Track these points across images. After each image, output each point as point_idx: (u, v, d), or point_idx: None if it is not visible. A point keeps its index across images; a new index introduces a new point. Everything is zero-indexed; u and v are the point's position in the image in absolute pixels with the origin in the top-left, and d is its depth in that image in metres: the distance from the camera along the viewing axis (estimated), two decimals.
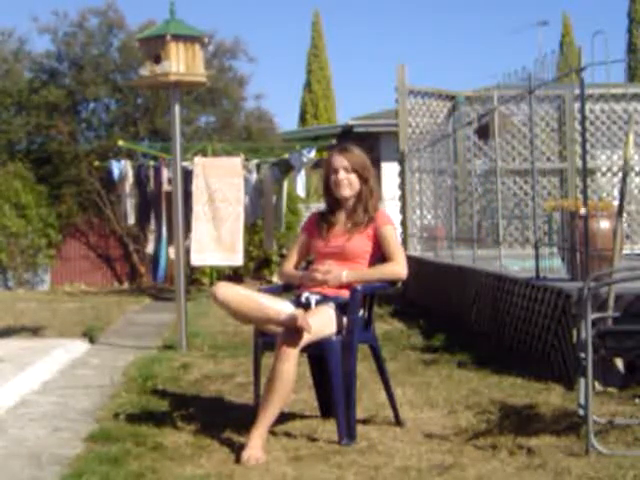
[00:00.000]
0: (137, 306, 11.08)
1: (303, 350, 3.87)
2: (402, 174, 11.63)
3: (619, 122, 10.85)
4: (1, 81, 15.57)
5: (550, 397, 4.71)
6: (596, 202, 6.05)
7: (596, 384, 4.65)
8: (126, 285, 15.47)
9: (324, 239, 4.26)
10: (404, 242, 11.10)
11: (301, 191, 10.58)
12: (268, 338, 4.03)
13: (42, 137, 15.74)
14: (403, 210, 11.63)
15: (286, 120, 58.87)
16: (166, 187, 10.12)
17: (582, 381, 3.88)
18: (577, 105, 8.91)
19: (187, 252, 8.52)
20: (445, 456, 3.70)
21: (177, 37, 6.72)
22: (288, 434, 4.09)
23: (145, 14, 43.55)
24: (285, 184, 10.70)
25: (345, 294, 4.08)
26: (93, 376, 5.89)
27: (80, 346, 7.18)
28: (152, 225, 10.86)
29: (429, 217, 11.20)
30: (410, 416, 4.40)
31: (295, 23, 52.76)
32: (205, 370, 5.94)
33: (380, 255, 4.20)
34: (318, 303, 4.05)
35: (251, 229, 12.56)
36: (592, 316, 3.77)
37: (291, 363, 3.79)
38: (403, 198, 11.64)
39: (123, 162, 11.00)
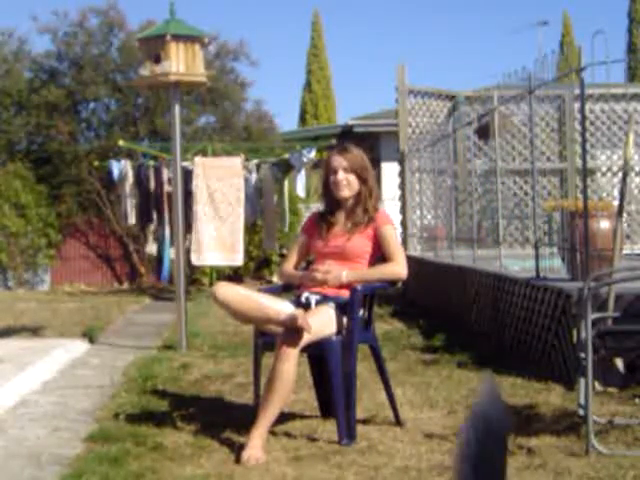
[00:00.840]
0: (137, 306, 11.08)
1: (303, 350, 3.87)
2: (402, 174, 11.63)
3: (619, 122, 10.84)
4: (1, 81, 15.56)
5: (550, 397, 4.71)
6: (596, 202, 6.05)
7: (596, 384, 4.65)
8: (126, 285, 15.47)
9: (324, 239, 4.26)
10: (404, 242, 11.10)
11: (301, 191, 10.58)
12: (268, 338, 4.03)
13: (42, 137, 15.73)
14: (403, 210, 11.63)
15: (286, 120, 58.92)
16: (166, 187, 10.12)
17: (582, 381, 3.88)
18: (577, 105, 8.90)
19: (187, 252, 8.52)
20: (445, 456, 3.70)
21: (177, 37, 6.72)
22: (288, 434, 4.09)
23: (146, 14, 43.51)
24: (286, 184, 10.70)
25: (345, 294, 4.08)
26: (93, 376, 5.89)
27: (80, 346, 7.18)
28: (152, 226, 10.86)
29: (429, 217, 11.20)
30: (410, 416, 4.40)
31: (295, 23, 52.78)
32: (205, 370, 5.94)
33: (380, 255, 4.20)
34: (318, 303, 4.05)
35: (251, 229, 12.56)
36: (592, 316, 3.76)
37: (291, 363, 3.79)
38: (403, 198, 11.64)
39: (123, 162, 10.99)
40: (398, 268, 4.16)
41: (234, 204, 8.92)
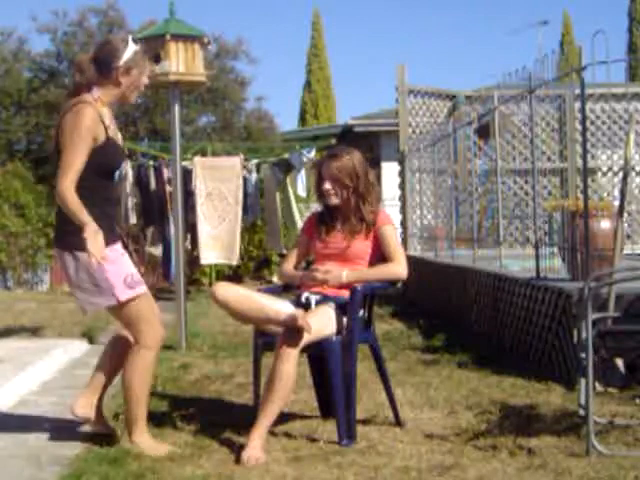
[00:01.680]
0: None
1: (303, 350, 3.87)
2: (402, 174, 11.63)
3: (620, 122, 10.83)
4: (0, 81, 15.57)
5: (550, 397, 4.70)
6: (597, 202, 6.04)
7: (596, 384, 4.65)
8: None
9: (323, 240, 4.25)
10: (404, 242, 11.09)
11: (302, 191, 10.59)
12: (268, 338, 4.03)
13: (41, 137, 15.74)
14: (403, 210, 11.62)
15: (286, 120, 58.93)
16: (168, 187, 10.12)
17: (582, 381, 3.88)
18: (578, 105, 8.90)
19: (188, 252, 8.52)
20: (445, 456, 3.70)
21: (177, 37, 6.71)
22: (288, 434, 4.08)
23: (145, 14, 43.53)
24: (288, 184, 10.69)
25: (345, 294, 4.07)
26: None
27: (80, 346, 7.18)
28: (152, 227, 10.85)
29: (429, 217, 11.19)
30: (410, 416, 4.39)
31: (295, 23, 52.80)
32: (205, 370, 5.93)
33: (380, 255, 4.19)
34: (318, 303, 4.04)
35: (251, 229, 12.55)
36: (592, 316, 3.76)
37: (291, 363, 3.78)
38: (403, 198, 11.63)
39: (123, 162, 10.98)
40: (398, 268, 4.15)
41: (232, 203, 8.92)
